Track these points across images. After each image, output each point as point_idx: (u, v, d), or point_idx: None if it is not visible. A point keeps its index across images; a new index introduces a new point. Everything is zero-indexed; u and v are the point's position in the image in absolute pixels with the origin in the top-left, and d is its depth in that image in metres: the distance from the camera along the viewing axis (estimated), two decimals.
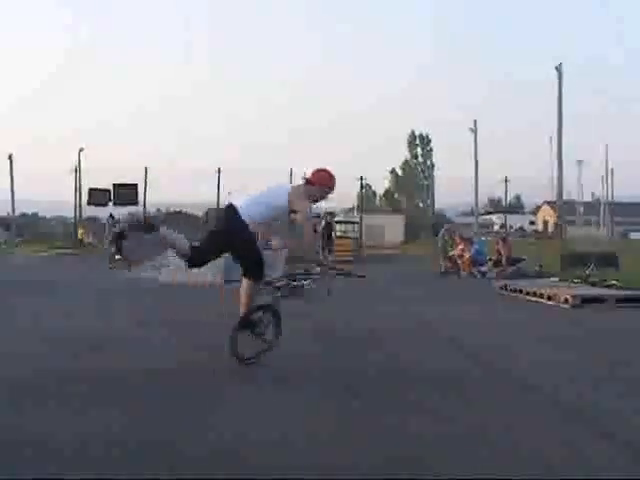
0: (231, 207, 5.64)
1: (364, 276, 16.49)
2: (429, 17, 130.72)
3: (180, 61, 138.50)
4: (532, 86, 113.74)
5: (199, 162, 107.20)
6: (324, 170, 5.90)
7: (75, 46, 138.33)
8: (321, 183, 5.83)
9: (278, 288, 11.94)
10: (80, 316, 9.07)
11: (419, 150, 71.39)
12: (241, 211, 5.54)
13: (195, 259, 5.66)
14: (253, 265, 5.67)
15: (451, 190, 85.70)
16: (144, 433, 3.89)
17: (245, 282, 5.70)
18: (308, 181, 5.82)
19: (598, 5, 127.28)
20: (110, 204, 31.88)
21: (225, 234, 5.61)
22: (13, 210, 38.53)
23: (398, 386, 5.15)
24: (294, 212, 5.67)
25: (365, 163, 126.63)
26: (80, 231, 37.09)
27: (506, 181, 40.96)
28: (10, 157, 35.84)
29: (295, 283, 12.35)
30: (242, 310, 5.67)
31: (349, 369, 5.73)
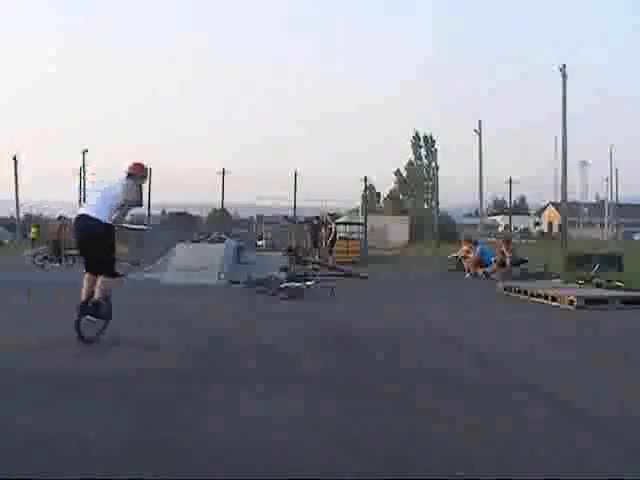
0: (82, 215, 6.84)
1: (366, 277, 16.53)
2: (431, 17, 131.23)
3: (183, 61, 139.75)
4: (537, 86, 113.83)
5: (202, 163, 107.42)
6: (138, 162, 7.24)
7: (71, 45, 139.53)
8: (137, 172, 7.14)
9: (282, 289, 11.97)
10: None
11: (423, 151, 71.35)
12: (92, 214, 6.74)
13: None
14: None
15: (456, 191, 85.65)
16: (144, 433, 3.89)
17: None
18: (129, 174, 7.06)
19: (602, 5, 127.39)
20: None
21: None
22: (18, 211, 38.64)
23: (399, 386, 5.13)
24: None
25: (369, 164, 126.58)
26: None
27: (510, 182, 40.89)
28: (15, 158, 35.95)
29: (298, 284, 12.35)
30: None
31: (349, 369, 5.72)
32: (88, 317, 6.59)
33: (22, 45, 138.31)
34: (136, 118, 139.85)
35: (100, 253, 6.76)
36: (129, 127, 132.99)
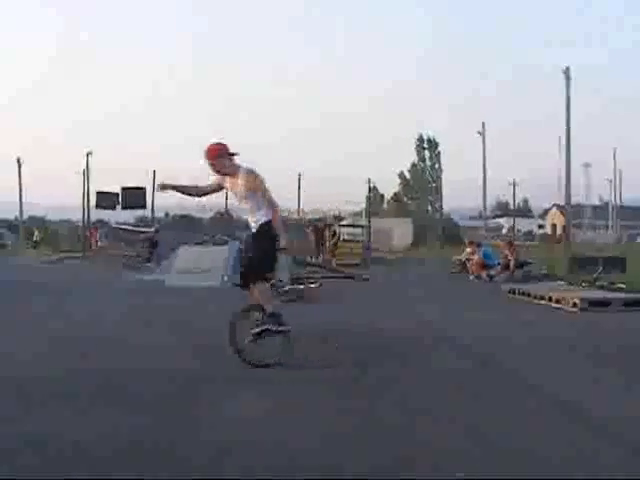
0: None
1: (368, 279, 16.52)
2: (433, 17, 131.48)
3: (183, 62, 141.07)
4: (540, 88, 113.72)
5: (206, 165, 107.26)
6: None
7: (70, 45, 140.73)
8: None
9: (286, 292, 11.96)
10: (82, 317, 9.11)
11: (427, 153, 71.05)
12: None
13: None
14: None
15: (459, 193, 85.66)
16: (144, 433, 3.90)
17: None
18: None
19: (603, 6, 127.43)
20: (118, 207, 31.85)
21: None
22: (21, 213, 38.76)
23: (399, 386, 5.14)
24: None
25: (373, 166, 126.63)
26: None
27: (514, 184, 40.94)
28: (18, 160, 36.02)
29: (302, 287, 12.34)
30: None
31: (349, 369, 5.72)
32: None
33: (22, 45, 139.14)
34: (138, 119, 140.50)
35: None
36: (131, 128, 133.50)
